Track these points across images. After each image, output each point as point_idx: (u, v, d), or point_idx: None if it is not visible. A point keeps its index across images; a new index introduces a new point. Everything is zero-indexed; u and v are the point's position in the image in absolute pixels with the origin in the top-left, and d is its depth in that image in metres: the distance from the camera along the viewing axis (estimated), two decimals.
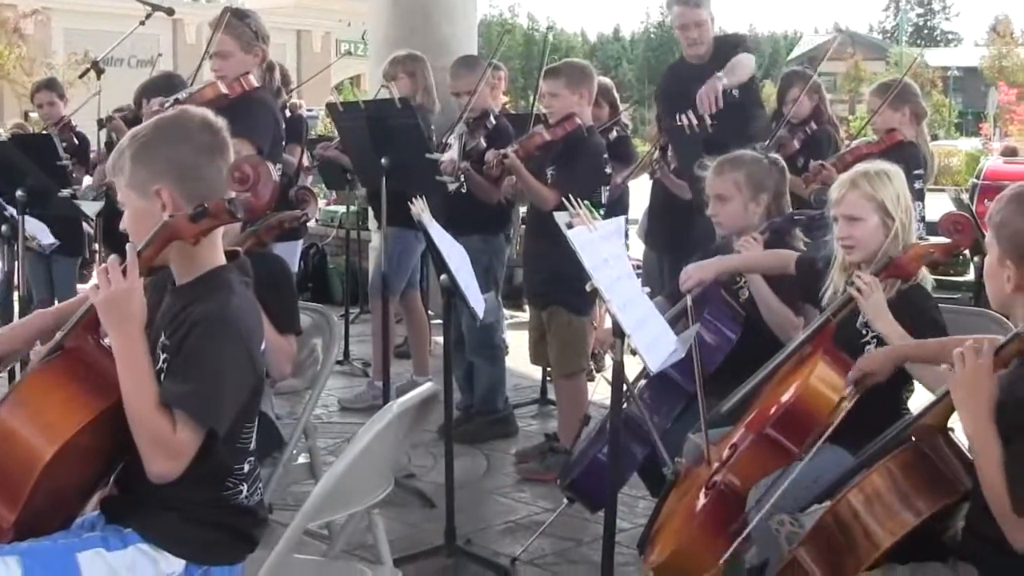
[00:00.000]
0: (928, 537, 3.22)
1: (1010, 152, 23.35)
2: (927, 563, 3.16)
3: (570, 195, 4.06)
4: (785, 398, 4.21)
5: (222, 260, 3.21)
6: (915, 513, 3.17)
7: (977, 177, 18.87)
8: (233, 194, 3.02)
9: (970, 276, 11.91)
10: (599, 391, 6.43)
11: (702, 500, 4.28)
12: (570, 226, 3.80)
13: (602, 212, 5.14)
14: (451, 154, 6.87)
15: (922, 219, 6.80)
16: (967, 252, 10.37)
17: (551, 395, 7.80)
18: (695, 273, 4.83)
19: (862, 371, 3.82)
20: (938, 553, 3.20)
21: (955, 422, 3.22)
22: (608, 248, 3.87)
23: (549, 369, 7.50)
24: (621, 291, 3.84)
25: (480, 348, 7.24)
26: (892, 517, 3.19)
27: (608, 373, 4.38)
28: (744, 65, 7.16)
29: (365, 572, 3.70)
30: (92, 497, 3.30)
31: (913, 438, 3.36)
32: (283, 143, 6.89)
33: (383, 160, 6.33)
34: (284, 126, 7.97)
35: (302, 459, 5.06)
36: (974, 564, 3.09)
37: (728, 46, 7.44)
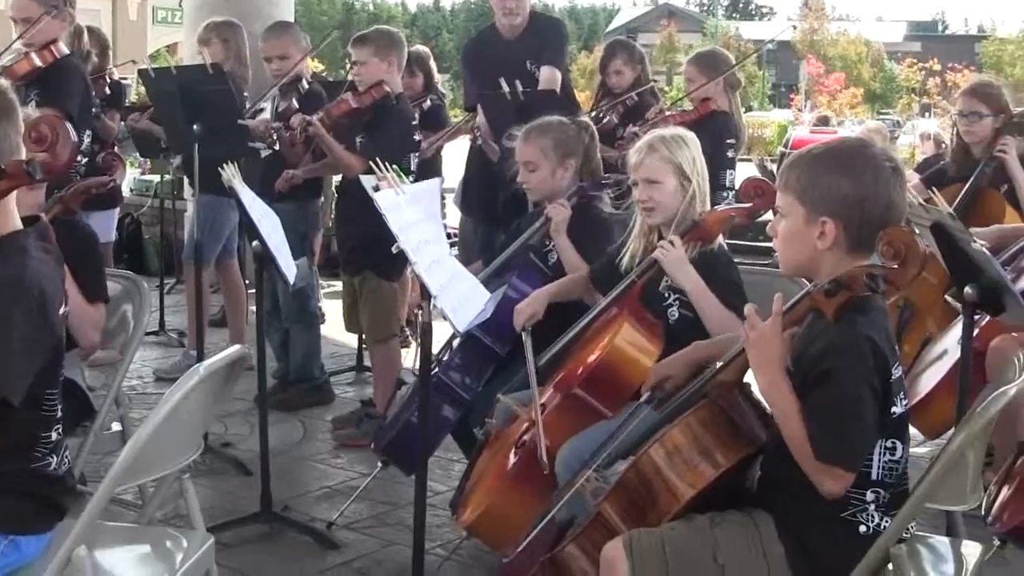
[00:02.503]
0: (727, 488, 3.34)
1: (823, 121, 23.97)
2: (726, 512, 3.27)
3: (377, 158, 4.08)
4: (591, 359, 4.32)
5: (17, 225, 3.13)
6: (714, 466, 3.27)
7: (785, 146, 19.47)
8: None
9: None
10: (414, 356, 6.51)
11: (512, 459, 4.37)
12: (377, 189, 3.83)
13: (412, 179, 5.18)
14: (263, 117, 6.83)
15: (732, 187, 6.96)
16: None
17: (367, 362, 7.82)
18: (526, 310, 4.77)
19: (658, 377, 3.95)
20: (737, 503, 3.31)
21: (751, 376, 3.34)
22: (415, 211, 3.90)
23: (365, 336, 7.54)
24: (427, 253, 3.88)
25: (295, 316, 7.22)
26: (692, 470, 3.28)
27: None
28: (552, 82, 7.28)
29: (176, 537, 3.67)
30: None
31: (711, 393, 3.47)
32: (92, 109, 6.80)
33: (195, 126, 6.29)
34: (108, 92, 7.91)
35: (115, 427, 5.00)
36: (768, 511, 3.21)
37: (542, 27, 7.55)
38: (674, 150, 4.42)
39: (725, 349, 3.94)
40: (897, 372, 3.12)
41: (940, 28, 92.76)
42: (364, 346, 7.91)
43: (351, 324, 6.97)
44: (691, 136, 4.54)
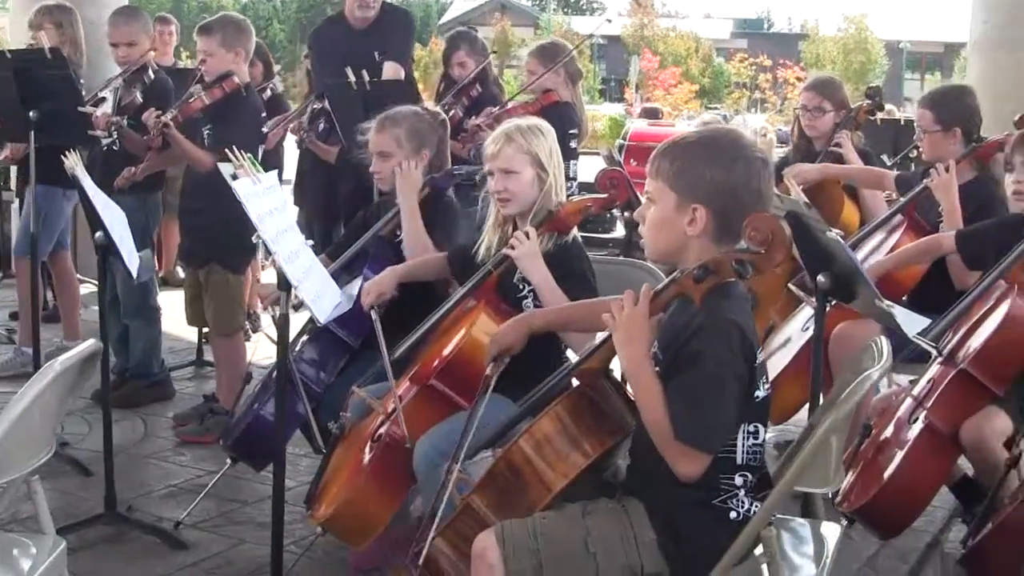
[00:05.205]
0: (597, 476, 3.34)
1: (651, 113, 24.28)
2: (597, 500, 3.27)
3: (233, 148, 3.98)
4: (448, 350, 4.28)
5: None
6: (584, 454, 3.26)
7: (623, 139, 19.69)
8: None
9: (617, 233, 12.39)
10: (259, 350, 6.40)
11: (368, 454, 4.31)
12: (235, 177, 3.75)
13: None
14: (104, 108, 6.63)
15: (575, 177, 7.02)
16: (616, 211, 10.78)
17: (208, 356, 7.68)
18: (374, 288, 4.69)
19: (498, 348, 3.92)
20: (607, 490, 3.31)
21: (616, 364, 3.33)
22: (272, 200, 3.83)
23: (206, 330, 7.39)
24: (286, 243, 3.82)
25: (136, 310, 7.05)
26: (563, 459, 3.26)
27: (270, 331, 4.35)
28: (394, 76, 7.32)
29: (26, 543, 3.52)
30: None
31: (578, 382, 3.45)
32: None
33: (32, 113, 6.10)
34: None
35: None
36: (639, 498, 3.21)
37: (391, 19, 7.59)
38: (531, 140, 4.41)
39: (561, 316, 4.01)
40: (760, 356, 3.16)
41: (766, 26, 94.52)
42: (205, 340, 7.78)
43: (193, 318, 6.79)
44: (547, 127, 4.53)
